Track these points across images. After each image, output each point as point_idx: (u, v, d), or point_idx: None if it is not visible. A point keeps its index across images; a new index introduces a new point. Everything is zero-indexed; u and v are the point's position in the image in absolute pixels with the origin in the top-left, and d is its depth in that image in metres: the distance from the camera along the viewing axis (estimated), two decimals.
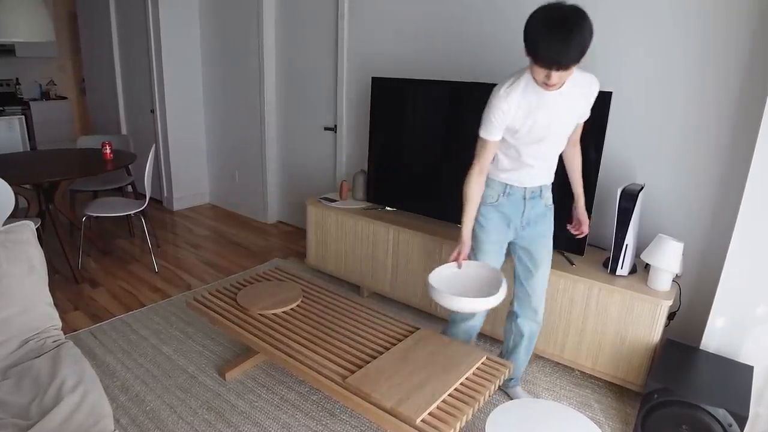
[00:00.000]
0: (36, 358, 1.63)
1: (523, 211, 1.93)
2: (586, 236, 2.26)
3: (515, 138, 1.81)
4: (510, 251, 2.07)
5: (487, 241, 1.99)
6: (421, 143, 2.87)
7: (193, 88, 4.71)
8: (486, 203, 1.96)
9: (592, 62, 2.46)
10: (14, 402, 1.44)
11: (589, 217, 2.09)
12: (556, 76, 1.57)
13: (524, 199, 1.92)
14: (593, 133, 2.21)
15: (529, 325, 2.10)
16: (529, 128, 1.77)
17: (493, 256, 2.00)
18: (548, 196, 1.97)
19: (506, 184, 1.92)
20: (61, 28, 6.53)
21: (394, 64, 3.28)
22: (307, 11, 3.77)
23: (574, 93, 1.74)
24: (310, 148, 4.06)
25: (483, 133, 1.82)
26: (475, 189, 1.91)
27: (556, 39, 1.50)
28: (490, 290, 1.86)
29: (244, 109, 4.41)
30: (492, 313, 2.50)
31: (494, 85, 2.51)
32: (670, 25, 2.24)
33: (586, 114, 1.86)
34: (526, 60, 1.65)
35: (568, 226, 2.09)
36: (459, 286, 1.93)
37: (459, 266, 1.94)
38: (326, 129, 3.87)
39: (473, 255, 2.02)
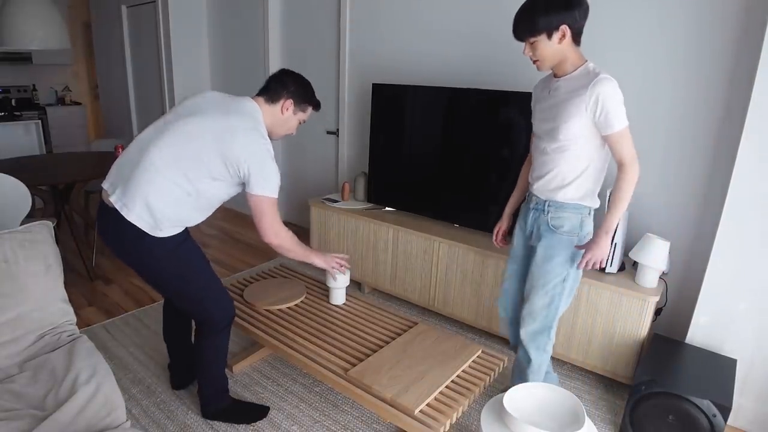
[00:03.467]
0: (51, 351, 1.63)
1: (527, 219, 1.82)
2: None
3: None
4: None
5: (511, 244, 1.94)
6: (420, 146, 2.87)
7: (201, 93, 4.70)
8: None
9: None
10: (31, 394, 1.44)
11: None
12: (526, 48, 1.61)
13: (529, 207, 1.81)
14: None
15: (521, 349, 1.88)
16: (534, 113, 1.78)
17: (513, 260, 1.92)
18: (558, 216, 1.70)
19: (530, 192, 1.83)
20: (76, 37, 6.53)
21: (394, 71, 3.28)
22: (310, 20, 3.77)
23: (570, 90, 1.60)
24: (313, 151, 4.06)
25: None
26: (522, 174, 1.99)
27: (517, 12, 1.60)
28: (571, 420, 1.48)
29: None
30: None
31: (487, 90, 2.53)
32: (656, 29, 2.24)
33: (601, 126, 1.56)
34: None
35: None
36: (535, 413, 1.53)
37: (497, 245, 2.05)
38: (329, 133, 3.87)
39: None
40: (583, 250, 1.68)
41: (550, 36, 1.55)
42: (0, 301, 1.60)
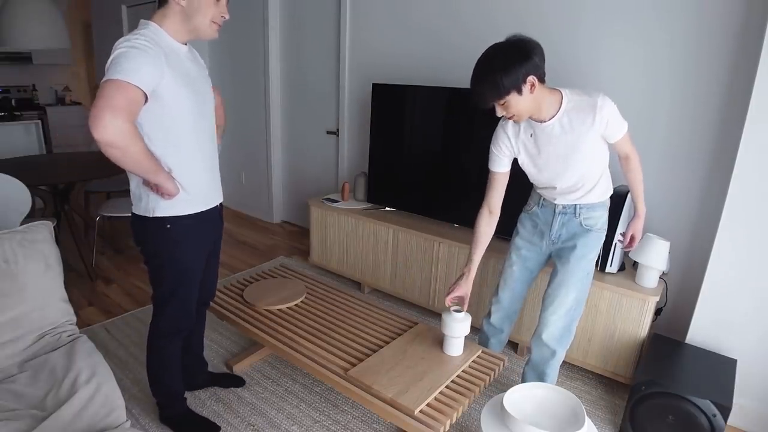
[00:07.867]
0: (52, 351, 1.63)
1: (552, 225, 1.81)
2: None
3: (522, 166, 1.77)
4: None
5: (514, 248, 1.93)
6: (420, 146, 2.87)
7: None
8: (524, 211, 1.93)
9: (581, 70, 2.46)
10: (31, 394, 1.44)
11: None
12: (498, 109, 1.55)
13: (555, 213, 1.80)
14: None
15: (535, 348, 1.90)
16: (528, 160, 1.72)
17: (517, 263, 1.92)
18: (590, 216, 1.75)
19: (541, 196, 1.84)
20: (76, 37, 6.53)
21: (394, 71, 3.27)
22: (310, 20, 3.77)
23: (574, 125, 1.58)
24: (314, 151, 4.06)
25: (489, 164, 1.79)
26: (480, 230, 1.81)
27: (472, 78, 1.52)
28: (569, 419, 1.48)
29: (250, 113, 4.41)
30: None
31: None
32: (656, 30, 2.24)
33: (611, 137, 1.63)
34: None
35: (620, 237, 1.96)
36: (535, 413, 1.54)
37: (449, 304, 1.80)
38: (329, 133, 3.87)
39: (507, 258, 1.96)
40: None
41: (519, 92, 1.49)
42: (0, 301, 1.60)
